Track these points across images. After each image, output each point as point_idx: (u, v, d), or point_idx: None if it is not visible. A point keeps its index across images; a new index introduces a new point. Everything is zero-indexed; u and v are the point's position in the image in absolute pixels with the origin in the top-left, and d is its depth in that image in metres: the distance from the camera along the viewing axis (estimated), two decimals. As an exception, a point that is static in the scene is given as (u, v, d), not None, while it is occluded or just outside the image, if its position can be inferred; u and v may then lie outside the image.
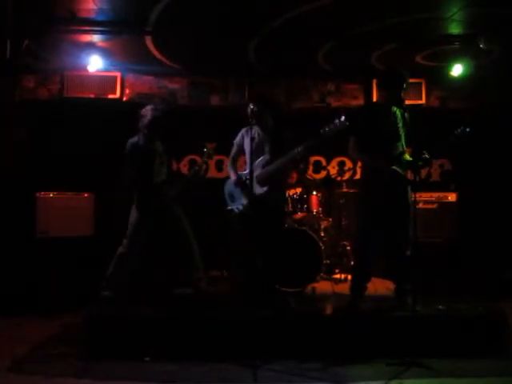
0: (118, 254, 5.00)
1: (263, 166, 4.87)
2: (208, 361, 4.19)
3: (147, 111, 5.02)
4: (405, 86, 4.68)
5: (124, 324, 4.45)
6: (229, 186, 5.15)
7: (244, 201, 4.96)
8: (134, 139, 5.04)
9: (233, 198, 5.09)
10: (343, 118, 4.42)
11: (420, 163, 4.50)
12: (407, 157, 4.71)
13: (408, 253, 4.71)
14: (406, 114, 4.73)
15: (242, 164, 5.54)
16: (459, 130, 4.52)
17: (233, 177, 5.10)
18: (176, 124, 6.58)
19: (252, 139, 4.46)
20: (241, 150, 5.18)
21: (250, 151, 4.55)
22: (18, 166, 6.67)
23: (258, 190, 4.79)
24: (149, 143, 5.05)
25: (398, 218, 4.65)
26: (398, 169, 4.60)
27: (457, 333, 4.44)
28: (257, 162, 4.85)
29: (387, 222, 4.66)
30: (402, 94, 4.67)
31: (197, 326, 4.44)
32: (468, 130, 4.52)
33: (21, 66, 6.59)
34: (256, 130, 4.87)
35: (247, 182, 4.77)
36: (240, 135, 5.15)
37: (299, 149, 4.61)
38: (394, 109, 4.69)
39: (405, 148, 4.74)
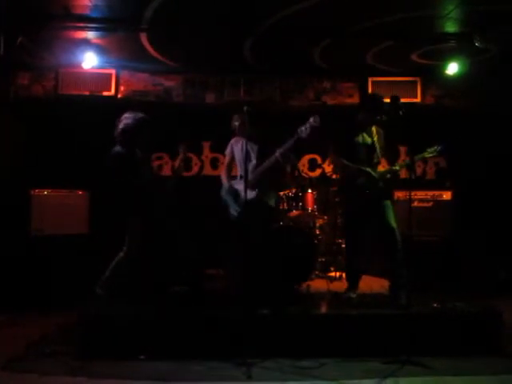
0: (117, 260, 4.87)
1: (251, 172, 5.07)
2: (203, 359, 4.19)
3: (121, 120, 4.88)
4: (383, 107, 4.94)
5: (119, 322, 4.43)
6: (223, 193, 5.35)
7: (236, 207, 5.18)
8: (116, 149, 4.84)
9: (227, 204, 5.30)
10: (317, 117, 4.64)
11: (388, 175, 5.05)
12: (381, 168, 5.14)
13: (399, 248, 4.84)
14: (380, 131, 5.15)
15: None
16: (435, 148, 5.08)
17: (224, 185, 5.33)
18: (171, 122, 6.59)
19: (242, 149, 4.76)
20: (232, 160, 5.42)
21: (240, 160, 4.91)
22: (12, 163, 6.65)
23: (249, 194, 4.85)
24: (129, 152, 4.86)
25: (379, 215, 4.94)
26: (372, 172, 4.95)
27: (452, 331, 4.44)
28: (250, 170, 5.03)
29: (369, 218, 4.98)
30: (380, 117, 4.96)
31: (192, 324, 4.43)
32: (440, 148, 5.09)
33: (15, 63, 6.57)
34: (243, 140, 4.97)
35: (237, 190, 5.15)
36: (229, 146, 5.41)
37: (278, 152, 4.89)
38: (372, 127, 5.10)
39: (380, 159, 5.10)
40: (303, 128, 4.67)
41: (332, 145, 5.16)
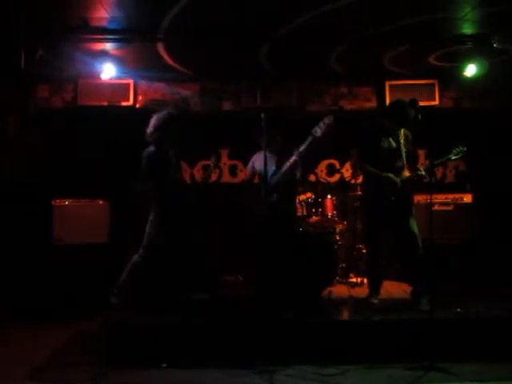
0: (132, 262, 4.95)
1: (271, 177, 5.11)
2: (224, 366, 4.18)
3: (150, 122, 5.00)
4: (408, 114, 4.89)
5: (140, 331, 4.45)
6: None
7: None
8: (150, 149, 5.00)
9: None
10: (330, 116, 4.80)
11: (415, 178, 4.96)
12: (406, 173, 5.02)
13: (420, 254, 4.84)
14: (409, 135, 5.11)
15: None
16: (460, 149, 5.02)
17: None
18: (189, 130, 6.61)
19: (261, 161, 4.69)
20: (253, 173, 5.51)
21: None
22: (34, 175, 6.73)
23: (270, 199, 5.01)
24: (163, 153, 5.02)
25: (400, 221, 4.94)
26: (393, 177, 4.92)
27: (475, 335, 4.39)
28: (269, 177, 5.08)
29: (390, 223, 4.98)
30: (406, 121, 4.95)
31: (213, 331, 4.43)
32: (465, 148, 5.02)
33: (35, 76, 6.66)
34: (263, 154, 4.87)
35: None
36: (251, 163, 5.52)
37: (295, 154, 4.96)
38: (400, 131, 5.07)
39: (404, 164, 5.02)
40: (317, 128, 4.80)
41: (355, 150, 5.13)
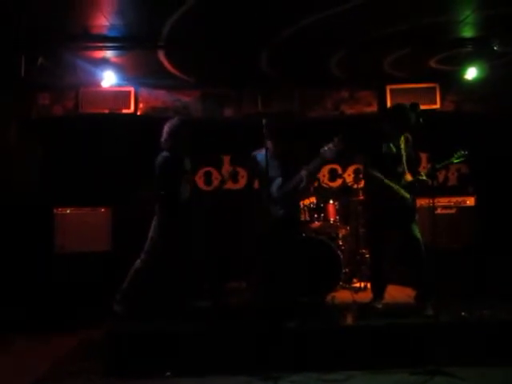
0: (134, 268, 4.96)
1: (277, 190, 5.10)
2: (229, 374, 4.16)
3: (164, 128, 5.05)
4: (409, 118, 4.88)
5: (144, 339, 4.43)
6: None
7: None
8: (164, 155, 5.01)
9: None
10: (341, 138, 4.71)
11: (417, 184, 4.96)
12: (408, 177, 5.02)
13: (423, 258, 4.82)
14: (409, 139, 5.09)
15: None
16: (462, 153, 5.04)
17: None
18: (190, 136, 6.60)
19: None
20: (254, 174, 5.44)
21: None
22: (35, 183, 6.73)
23: (278, 211, 5.04)
24: (178, 159, 5.04)
25: (403, 226, 4.94)
26: (394, 186, 4.91)
27: (480, 340, 4.36)
28: (273, 185, 5.09)
29: (393, 228, 5.01)
30: (407, 126, 4.96)
31: (217, 338, 4.41)
32: (466, 152, 5.03)
33: (36, 84, 6.67)
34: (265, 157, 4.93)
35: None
36: (253, 161, 5.31)
37: (304, 172, 4.91)
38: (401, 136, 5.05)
39: (405, 170, 5.03)
40: (327, 149, 4.72)
41: (362, 156, 5.15)
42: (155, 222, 4.98)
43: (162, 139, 5.04)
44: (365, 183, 5.50)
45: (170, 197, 4.96)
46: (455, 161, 5.08)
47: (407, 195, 4.93)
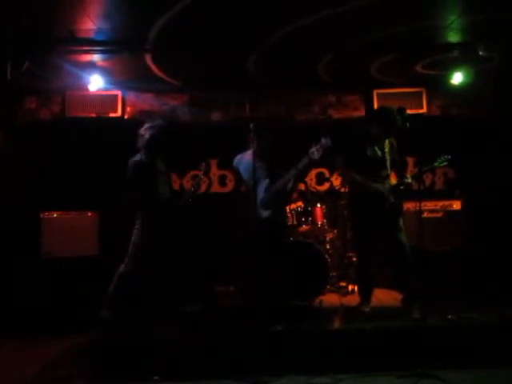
0: (118, 273, 4.94)
1: (265, 191, 5.05)
2: (217, 378, 4.15)
3: (145, 130, 5.02)
4: (396, 121, 4.93)
5: (131, 344, 4.41)
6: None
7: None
8: (137, 158, 5.01)
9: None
10: (328, 139, 4.63)
11: (401, 186, 5.04)
12: (392, 180, 5.13)
13: (409, 262, 4.86)
14: (394, 144, 5.13)
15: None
16: (445, 157, 5.09)
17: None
18: (178, 140, 6.60)
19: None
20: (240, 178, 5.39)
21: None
22: (21, 187, 6.67)
23: (264, 213, 5.01)
24: (151, 162, 5.03)
25: (388, 230, 4.98)
26: (380, 187, 4.96)
27: (467, 342, 4.39)
28: (259, 187, 5.02)
29: (379, 231, 5.05)
30: (393, 129, 5.01)
31: (204, 343, 4.40)
32: (449, 157, 5.10)
33: (22, 88, 6.62)
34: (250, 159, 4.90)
35: None
36: (235, 164, 5.33)
37: (290, 175, 4.87)
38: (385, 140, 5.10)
39: (389, 172, 5.10)
40: (314, 150, 4.63)
41: (341, 159, 5.13)
42: (137, 225, 4.97)
43: (141, 143, 5.04)
44: (348, 186, 5.50)
45: (145, 199, 4.95)
46: (438, 165, 5.14)
47: (392, 198, 4.95)
